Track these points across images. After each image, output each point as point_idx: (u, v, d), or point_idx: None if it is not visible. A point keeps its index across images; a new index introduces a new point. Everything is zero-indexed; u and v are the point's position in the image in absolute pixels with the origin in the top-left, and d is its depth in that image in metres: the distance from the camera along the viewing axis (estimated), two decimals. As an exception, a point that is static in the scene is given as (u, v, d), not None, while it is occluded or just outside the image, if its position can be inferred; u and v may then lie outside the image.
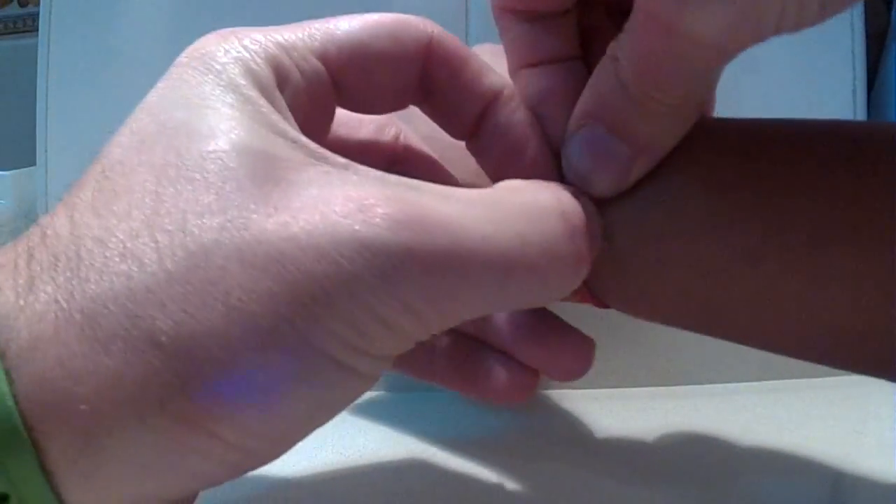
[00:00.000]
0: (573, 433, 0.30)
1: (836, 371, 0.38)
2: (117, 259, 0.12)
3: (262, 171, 0.13)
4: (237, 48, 0.15)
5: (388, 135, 0.22)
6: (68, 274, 0.12)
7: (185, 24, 0.39)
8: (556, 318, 0.22)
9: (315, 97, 0.17)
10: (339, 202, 0.13)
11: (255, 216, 0.13)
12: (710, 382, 0.37)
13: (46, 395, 0.12)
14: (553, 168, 0.20)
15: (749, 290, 0.19)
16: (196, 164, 0.13)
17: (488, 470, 0.26)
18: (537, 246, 0.15)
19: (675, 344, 0.37)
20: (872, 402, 0.34)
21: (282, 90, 0.16)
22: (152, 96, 0.15)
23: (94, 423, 0.12)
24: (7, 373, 0.12)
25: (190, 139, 0.14)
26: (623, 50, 0.17)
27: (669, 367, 0.37)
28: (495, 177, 0.20)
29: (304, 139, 0.15)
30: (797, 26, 0.15)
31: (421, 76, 0.18)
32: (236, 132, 0.14)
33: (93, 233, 0.13)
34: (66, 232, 0.13)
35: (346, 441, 0.28)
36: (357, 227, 0.13)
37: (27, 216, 0.43)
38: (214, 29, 0.17)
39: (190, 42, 0.16)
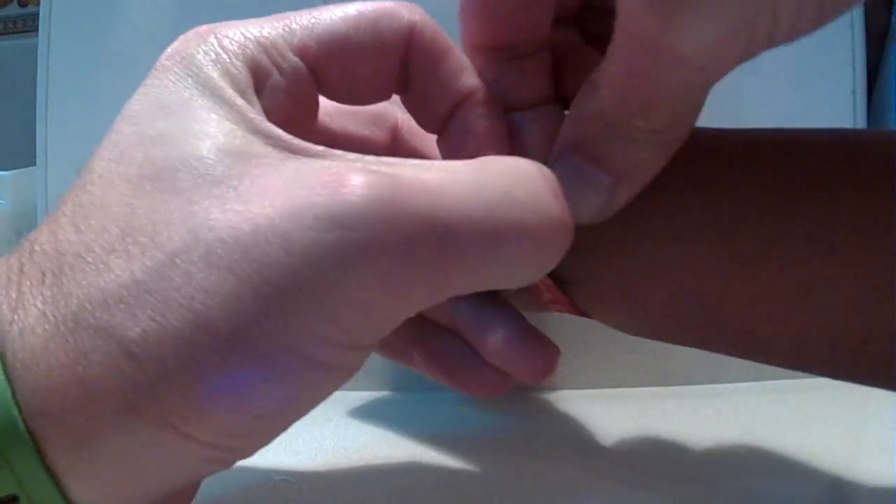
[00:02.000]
0: (573, 433, 0.30)
1: (836, 371, 0.38)
2: (94, 273, 0.13)
3: (236, 172, 0.13)
4: (215, 49, 0.15)
5: (385, 125, 0.21)
6: (54, 289, 0.13)
7: (185, 24, 0.39)
8: (521, 318, 0.21)
9: (295, 93, 0.17)
10: (308, 184, 0.13)
11: (221, 217, 0.13)
12: (710, 382, 0.37)
13: (42, 404, 0.13)
14: None
15: (748, 294, 0.18)
16: (169, 174, 0.13)
17: (488, 470, 0.26)
18: (524, 203, 0.14)
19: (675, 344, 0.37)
20: (872, 402, 0.34)
21: (260, 90, 0.16)
22: (133, 104, 0.15)
23: (82, 428, 0.13)
24: (9, 381, 0.13)
25: (165, 149, 0.14)
26: (604, 76, 0.16)
27: (669, 367, 0.37)
28: None
29: (282, 135, 0.15)
30: (789, 38, 0.14)
31: (402, 66, 0.18)
32: (211, 137, 0.14)
33: (74, 248, 0.13)
34: (50, 248, 0.14)
35: (347, 441, 0.28)
36: (325, 202, 0.12)
37: (27, 216, 0.43)
38: None
39: None
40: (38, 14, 0.40)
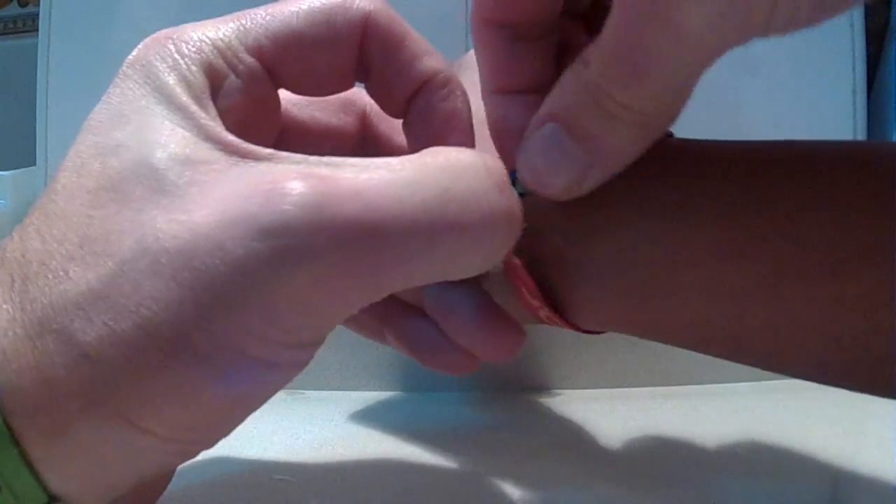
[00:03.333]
0: (573, 433, 0.30)
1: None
2: (56, 281, 0.14)
3: (185, 181, 0.14)
4: (172, 55, 0.16)
5: (353, 111, 0.21)
6: (22, 294, 0.14)
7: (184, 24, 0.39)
8: (488, 298, 0.21)
9: (253, 92, 0.17)
10: (245, 192, 0.13)
11: (166, 227, 0.13)
12: (711, 382, 0.37)
13: (14, 402, 0.14)
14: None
15: (766, 316, 0.18)
16: (123, 184, 0.14)
17: (488, 470, 0.26)
18: (463, 199, 0.14)
19: (675, 344, 0.37)
20: (872, 402, 0.34)
21: (217, 92, 0.16)
22: (95, 113, 0.16)
23: (51, 425, 0.14)
24: None
25: (120, 159, 0.15)
26: (596, 49, 0.16)
27: (669, 367, 0.37)
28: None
29: (231, 140, 0.15)
30: (787, 27, 0.14)
31: (359, 55, 0.18)
32: (163, 146, 0.14)
33: (38, 256, 0.14)
34: (18, 254, 0.14)
35: (347, 441, 0.28)
36: (257, 212, 0.13)
37: (27, 216, 0.43)
38: None
39: None
40: (38, 14, 0.40)
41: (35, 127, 0.41)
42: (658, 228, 0.19)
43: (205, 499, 0.23)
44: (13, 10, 0.60)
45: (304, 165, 0.14)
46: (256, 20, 0.17)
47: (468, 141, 0.19)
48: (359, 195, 0.14)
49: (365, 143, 0.22)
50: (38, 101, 0.40)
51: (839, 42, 0.37)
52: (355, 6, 0.17)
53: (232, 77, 0.17)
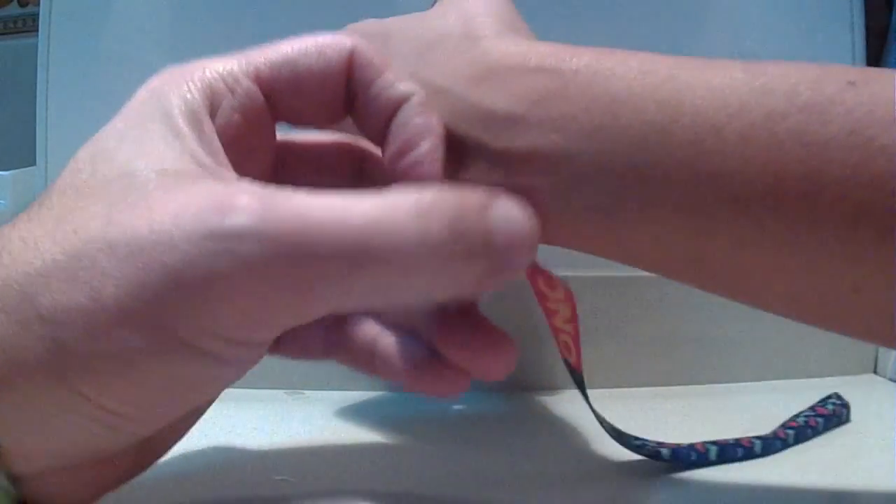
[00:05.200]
0: (573, 433, 0.30)
1: (835, 371, 0.38)
2: (29, 253, 0.16)
3: (155, 187, 0.16)
4: (178, 82, 0.18)
5: (347, 156, 0.23)
6: (2, 263, 0.16)
7: (183, 24, 0.40)
8: (481, 317, 0.21)
9: (249, 112, 0.19)
10: (202, 201, 0.15)
11: (129, 219, 0.16)
12: (710, 382, 0.37)
13: None
14: (443, 170, 0.20)
15: (734, 236, 0.19)
16: (106, 185, 0.17)
17: (488, 469, 0.26)
18: (386, 233, 0.16)
19: (675, 344, 0.37)
20: (873, 402, 0.34)
21: (214, 112, 0.19)
22: (105, 128, 0.18)
23: (2, 380, 0.15)
24: None
25: (110, 166, 0.17)
26: None
27: (669, 367, 0.37)
28: (393, 176, 0.20)
29: (210, 163, 0.17)
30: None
31: (347, 87, 0.20)
32: (148, 159, 0.17)
33: (21, 234, 0.16)
34: (7, 231, 0.17)
35: (347, 441, 0.28)
36: (207, 217, 0.15)
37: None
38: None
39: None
40: (38, 14, 0.40)
41: (35, 127, 0.41)
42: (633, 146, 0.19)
43: (205, 498, 0.23)
44: (13, 10, 0.60)
45: (260, 187, 0.16)
46: (259, 52, 0.20)
47: (439, 146, 0.20)
48: (297, 217, 0.15)
49: (365, 166, 0.24)
50: (38, 101, 0.40)
51: (839, 42, 0.37)
52: (343, 42, 0.20)
53: (229, 97, 0.19)
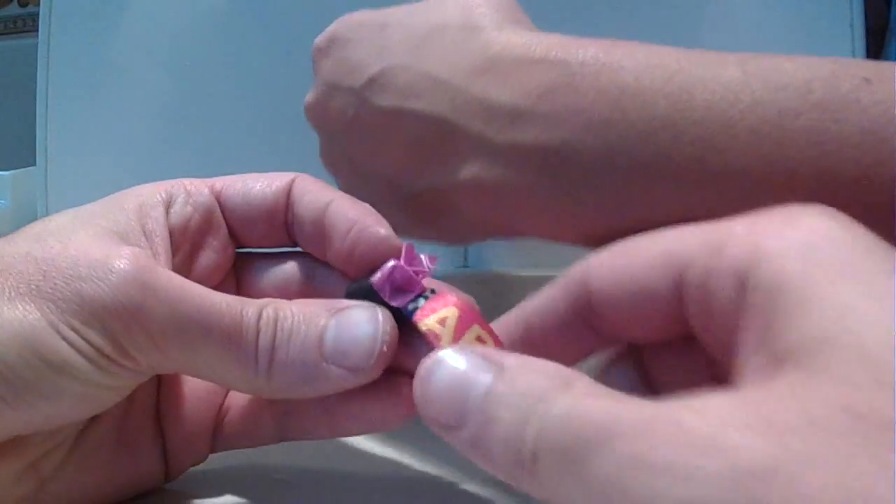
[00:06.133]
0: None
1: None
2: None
3: (82, 239, 0.19)
4: (150, 188, 0.21)
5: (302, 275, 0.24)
6: None
7: (183, 25, 0.39)
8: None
9: (201, 209, 0.22)
10: (104, 251, 0.19)
11: (56, 248, 0.19)
12: (711, 382, 0.37)
13: None
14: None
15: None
16: (58, 234, 0.20)
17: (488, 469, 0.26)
18: (207, 322, 0.18)
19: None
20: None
21: (171, 205, 0.21)
22: (83, 207, 0.21)
23: None
24: None
25: (52, 225, 0.20)
26: None
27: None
28: (344, 268, 0.21)
29: (133, 243, 0.20)
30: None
31: (286, 207, 0.22)
32: (83, 226, 0.20)
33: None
34: None
35: (347, 441, 0.28)
36: (99, 259, 0.18)
37: (27, 216, 0.43)
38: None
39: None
40: (38, 14, 0.40)
41: (35, 127, 0.41)
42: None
43: (205, 498, 0.23)
44: (13, 10, 0.60)
45: (147, 258, 0.19)
46: (221, 178, 0.22)
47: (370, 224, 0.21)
48: (158, 290, 0.18)
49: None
50: (38, 101, 0.40)
51: (839, 42, 0.37)
52: (288, 175, 0.22)
53: (184, 194, 0.22)
